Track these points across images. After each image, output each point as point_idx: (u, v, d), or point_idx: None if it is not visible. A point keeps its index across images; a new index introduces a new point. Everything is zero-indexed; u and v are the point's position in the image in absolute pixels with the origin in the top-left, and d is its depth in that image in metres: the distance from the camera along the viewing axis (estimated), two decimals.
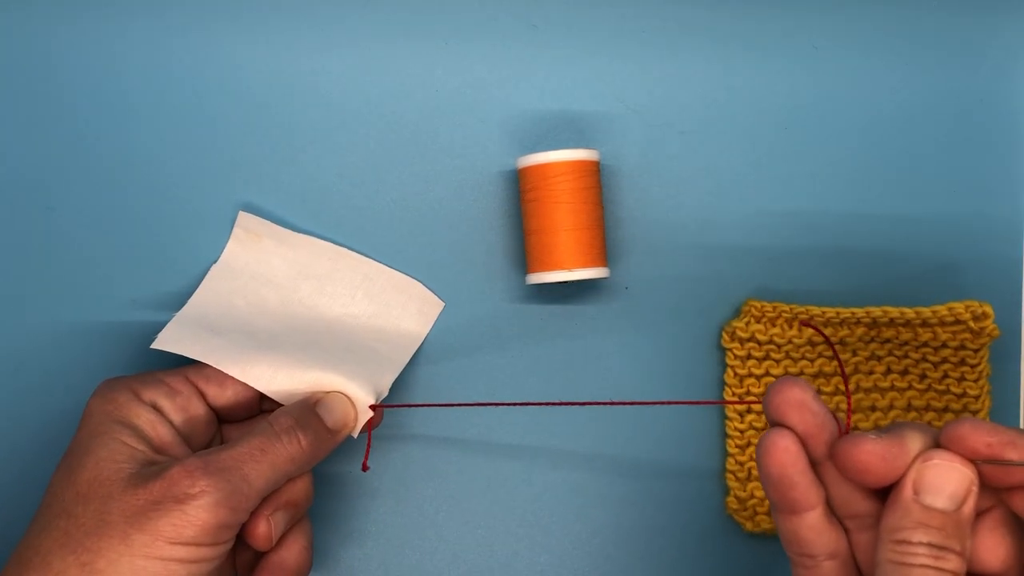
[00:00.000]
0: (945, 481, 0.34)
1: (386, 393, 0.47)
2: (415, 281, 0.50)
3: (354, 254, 0.50)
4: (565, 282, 0.49)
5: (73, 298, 0.50)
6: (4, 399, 0.49)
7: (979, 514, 0.35)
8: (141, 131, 0.50)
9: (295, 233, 0.50)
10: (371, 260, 0.50)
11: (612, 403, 0.46)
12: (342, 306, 0.50)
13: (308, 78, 0.50)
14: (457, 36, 0.51)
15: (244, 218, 0.50)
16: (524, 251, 0.49)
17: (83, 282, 0.50)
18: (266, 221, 0.50)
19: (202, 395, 0.45)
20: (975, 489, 0.34)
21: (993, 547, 0.36)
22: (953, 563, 0.33)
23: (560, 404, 0.49)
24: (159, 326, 0.48)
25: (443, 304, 0.50)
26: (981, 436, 0.34)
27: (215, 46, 0.50)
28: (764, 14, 0.52)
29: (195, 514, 0.37)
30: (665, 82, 0.52)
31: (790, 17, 0.52)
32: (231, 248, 0.50)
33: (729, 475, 0.50)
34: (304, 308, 0.49)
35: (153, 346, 0.45)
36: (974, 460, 0.34)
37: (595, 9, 0.51)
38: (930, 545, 0.33)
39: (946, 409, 0.50)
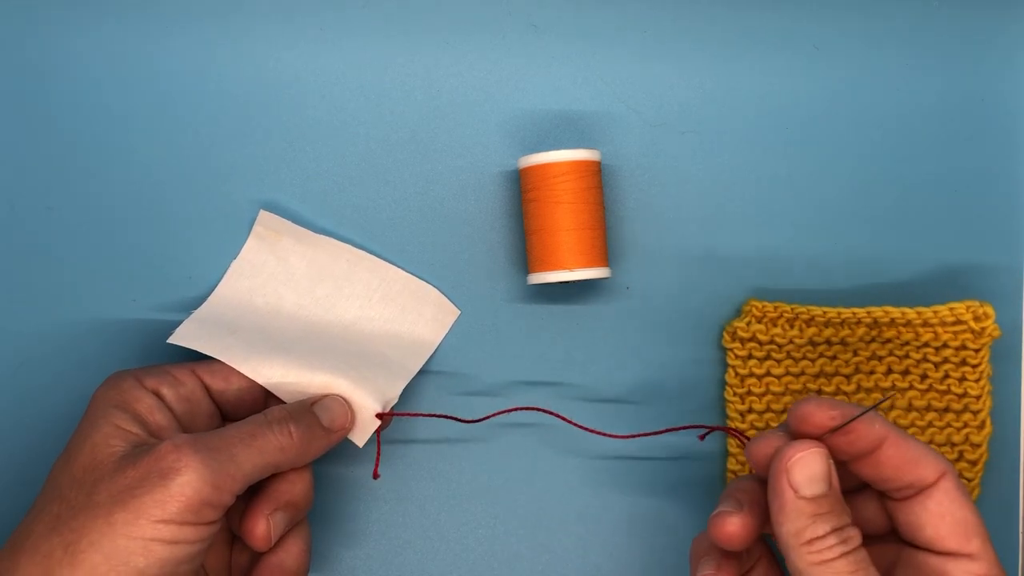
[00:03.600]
0: (813, 468, 0.37)
1: (395, 400, 0.47)
2: (432, 287, 0.50)
3: (372, 257, 0.50)
4: (566, 282, 0.49)
5: (74, 298, 0.49)
6: (4, 398, 0.49)
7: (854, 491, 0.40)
8: (141, 132, 0.50)
9: (314, 233, 0.50)
10: (389, 264, 0.50)
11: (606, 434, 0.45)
12: (358, 308, 0.50)
13: (308, 78, 0.50)
14: (457, 36, 0.51)
15: (264, 216, 0.50)
16: (525, 251, 0.49)
17: (83, 282, 0.49)
18: (286, 220, 0.50)
19: (207, 389, 0.45)
20: (831, 461, 0.38)
21: (876, 513, 0.40)
22: (855, 537, 0.37)
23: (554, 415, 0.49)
24: (160, 325, 0.49)
25: (459, 312, 0.50)
26: (825, 411, 0.38)
27: (213, 46, 0.50)
28: (764, 14, 0.52)
29: (178, 490, 0.37)
30: (665, 82, 0.52)
31: (790, 17, 0.52)
32: (251, 245, 0.50)
33: (730, 475, 0.50)
34: (320, 308, 0.49)
35: (170, 340, 0.46)
36: (821, 437, 0.38)
37: (595, 9, 0.51)
38: (835, 531, 0.36)
39: (947, 409, 0.50)
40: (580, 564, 0.50)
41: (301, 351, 0.47)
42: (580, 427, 0.48)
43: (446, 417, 0.47)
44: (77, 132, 0.50)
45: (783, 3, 0.52)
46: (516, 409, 0.48)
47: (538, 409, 0.48)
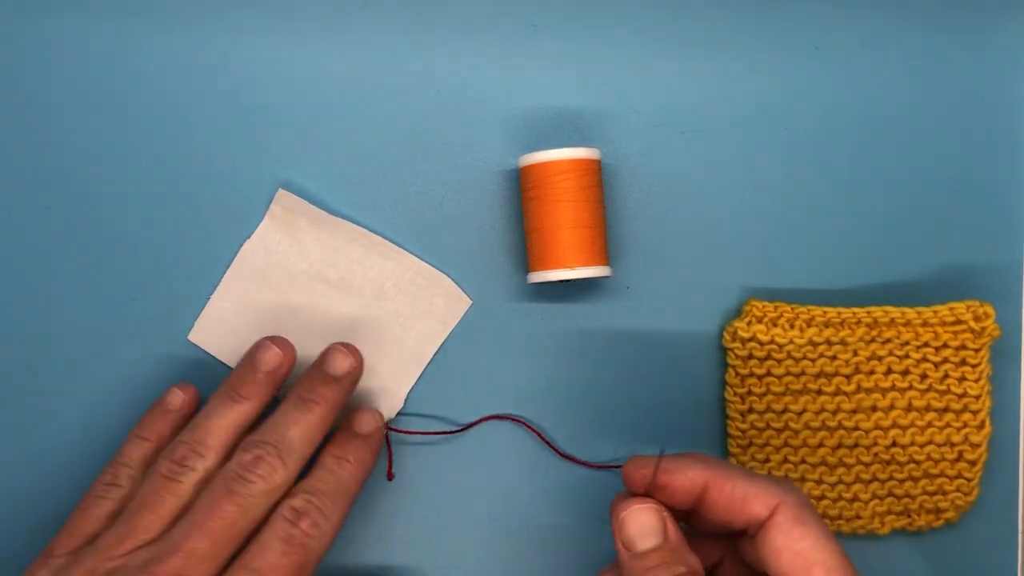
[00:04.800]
0: (640, 524, 0.38)
1: (402, 404, 0.49)
2: (445, 276, 0.50)
3: (387, 242, 0.50)
4: (566, 281, 0.49)
5: (72, 298, 0.49)
6: (2, 398, 0.49)
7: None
8: (139, 132, 0.50)
9: (331, 216, 0.50)
10: (403, 250, 0.50)
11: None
12: (370, 294, 0.50)
13: (307, 78, 0.50)
14: (457, 36, 0.51)
15: (282, 196, 0.50)
16: (525, 250, 0.49)
17: (82, 282, 0.49)
18: (303, 201, 0.50)
19: None
20: (665, 512, 0.38)
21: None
22: None
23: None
24: (159, 325, 0.49)
25: (471, 302, 0.50)
26: (637, 469, 0.40)
27: (213, 46, 0.50)
28: (764, 14, 0.52)
29: None
30: (665, 82, 0.52)
31: (790, 17, 0.52)
32: (267, 224, 0.50)
33: None
34: (332, 293, 0.50)
35: (189, 338, 0.48)
36: (648, 491, 0.39)
37: (595, 9, 0.51)
38: None
39: (946, 409, 0.50)
40: (580, 564, 0.50)
41: (311, 351, 0.47)
42: (549, 444, 0.50)
43: (432, 433, 0.49)
44: (74, 131, 0.50)
45: (783, 3, 0.52)
46: (493, 418, 0.50)
47: (514, 419, 0.50)
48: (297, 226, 0.49)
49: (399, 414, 0.50)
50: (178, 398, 0.46)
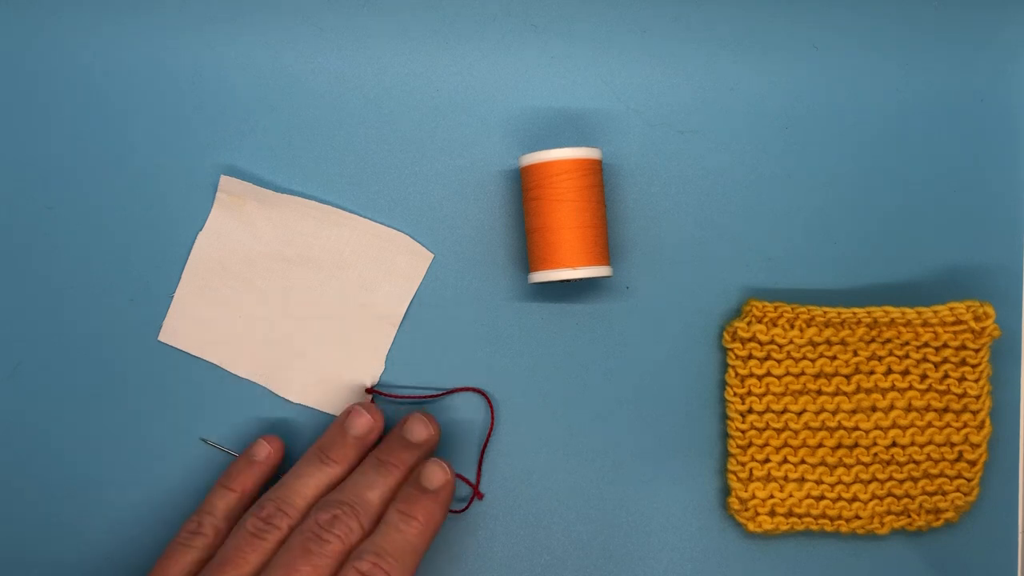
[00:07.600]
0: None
1: (383, 367, 0.50)
2: (402, 234, 0.50)
3: (339, 210, 0.50)
4: (567, 281, 0.49)
5: (72, 298, 0.49)
6: (2, 397, 0.49)
7: None
8: (140, 132, 0.50)
9: (277, 193, 0.50)
10: (357, 216, 0.50)
11: None
12: (332, 264, 0.50)
13: (308, 79, 0.50)
14: (457, 36, 0.51)
15: (226, 182, 0.49)
16: (526, 250, 0.49)
17: (82, 282, 0.50)
18: (248, 183, 0.49)
19: None
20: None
21: None
22: None
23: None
24: (158, 326, 0.49)
25: (432, 256, 0.50)
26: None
27: (216, 47, 0.50)
28: (764, 14, 0.52)
29: None
30: (665, 82, 0.52)
31: (790, 17, 0.52)
32: (216, 214, 0.50)
33: (730, 475, 0.50)
34: (294, 269, 0.50)
35: (160, 339, 0.48)
36: None
37: (595, 9, 0.51)
38: None
39: (946, 409, 0.50)
40: (580, 564, 0.50)
41: (284, 331, 0.49)
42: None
43: (414, 398, 0.50)
44: (75, 132, 0.50)
45: (783, 3, 0.52)
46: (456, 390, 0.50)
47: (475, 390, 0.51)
48: (246, 209, 0.49)
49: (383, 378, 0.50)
50: (264, 450, 0.47)
